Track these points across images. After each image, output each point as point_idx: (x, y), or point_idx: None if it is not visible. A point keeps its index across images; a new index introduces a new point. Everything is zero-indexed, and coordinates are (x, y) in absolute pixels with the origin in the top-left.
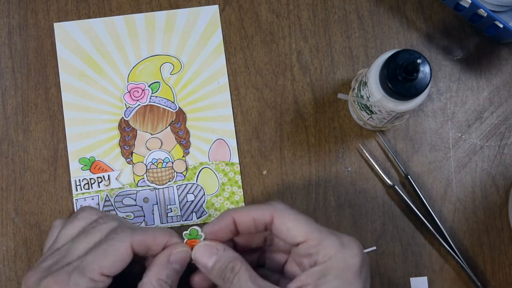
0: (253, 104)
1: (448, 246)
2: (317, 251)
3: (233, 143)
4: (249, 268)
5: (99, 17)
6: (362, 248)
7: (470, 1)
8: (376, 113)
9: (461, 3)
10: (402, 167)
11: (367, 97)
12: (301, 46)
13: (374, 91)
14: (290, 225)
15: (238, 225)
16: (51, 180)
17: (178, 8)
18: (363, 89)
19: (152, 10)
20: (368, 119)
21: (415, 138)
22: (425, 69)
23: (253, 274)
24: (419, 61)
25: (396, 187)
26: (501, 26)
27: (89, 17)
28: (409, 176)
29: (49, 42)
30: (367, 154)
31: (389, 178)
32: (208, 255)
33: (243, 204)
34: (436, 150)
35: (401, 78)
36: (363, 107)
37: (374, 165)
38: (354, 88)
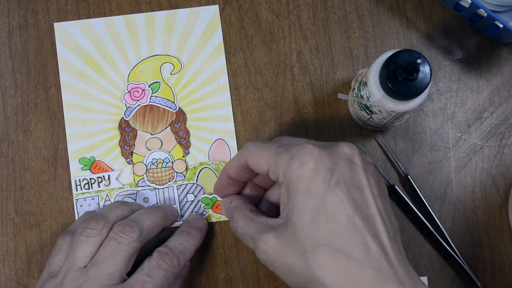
0: (253, 104)
1: (448, 246)
2: (277, 174)
3: (233, 143)
4: (245, 213)
5: (99, 17)
6: (318, 149)
7: (470, 1)
8: (376, 113)
9: (461, 3)
10: (402, 167)
11: (367, 97)
12: (301, 46)
13: (374, 91)
14: (256, 159)
15: (233, 176)
16: (51, 180)
17: (178, 8)
18: (363, 89)
19: (152, 10)
20: (368, 119)
21: (415, 138)
22: (425, 69)
23: (248, 216)
24: (419, 61)
25: (396, 187)
26: (501, 26)
27: (89, 17)
28: (409, 176)
29: (49, 42)
30: (367, 154)
31: (389, 178)
32: (226, 210)
33: None
34: (436, 150)
35: (401, 78)
36: (363, 107)
37: (374, 165)
38: (354, 88)
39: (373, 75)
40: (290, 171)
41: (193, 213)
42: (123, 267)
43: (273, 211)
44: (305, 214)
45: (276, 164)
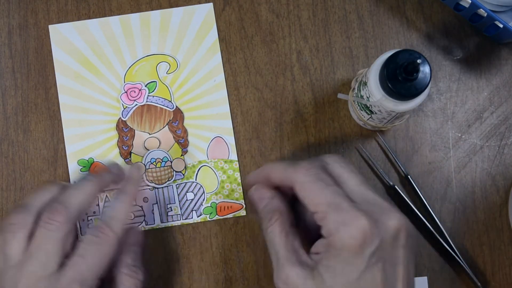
0: (253, 104)
1: (448, 246)
2: (323, 224)
3: (231, 140)
4: (285, 223)
5: (99, 17)
6: (369, 225)
7: (470, 1)
8: (376, 113)
9: (461, 3)
10: (402, 167)
11: (367, 97)
12: (301, 46)
13: (374, 91)
14: (305, 195)
15: (272, 181)
16: None
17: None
18: (363, 89)
19: (152, 10)
20: (368, 119)
21: (415, 138)
22: (425, 69)
23: (286, 230)
24: (419, 61)
25: (396, 187)
26: (501, 26)
27: (89, 18)
28: (409, 176)
29: (49, 42)
30: (367, 154)
31: (389, 178)
32: (260, 199)
33: (243, 201)
34: (436, 150)
35: (401, 78)
36: (363, 107)
37: (374, 165)
38: (354, 88)
39: (373, 75)
40: (338, 238)
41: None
42: (57, 253)
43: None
44: (339, 281)
45: (326, 218)
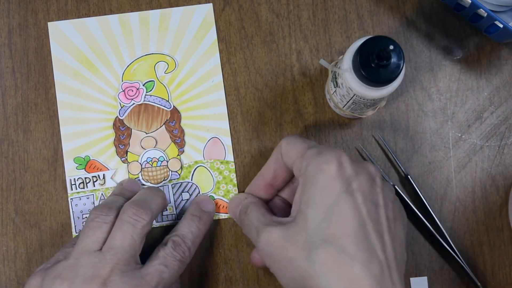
0: (253, 104)
1: (448, 246)
2: (301, 166)
3: (227, 141)
4: (260, 209)
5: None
6: (347, 157)
7: (470, 1)
8: (339, 86)
9: (461, 3)
10: (402, 167)
11: (339, 67)
12: (301, 46)
13: (345, 63)
14: (290, 147)
15: (266, 182)
16: (51, 180)
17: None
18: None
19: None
20: (333, 93)
21: (415, 138)
22: (397, 58)
23: (261, 213)
24: (391, 47)
25: (396, 187)
26: (501, 26)
27: (89, 17)
28: (409, 176)
29: (49, 42)
30: (367, 154)
31: (389, 178)
32: (237, 205)
33: None
34: (436, 150)
35: (373, 65)
36: (333, 78)
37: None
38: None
39: (348, 55)
40: (315, 165)
41: (199, 194)
42: (138, 252)
43: (281, 209)
44: (319, 209)
45: (304, 155)
